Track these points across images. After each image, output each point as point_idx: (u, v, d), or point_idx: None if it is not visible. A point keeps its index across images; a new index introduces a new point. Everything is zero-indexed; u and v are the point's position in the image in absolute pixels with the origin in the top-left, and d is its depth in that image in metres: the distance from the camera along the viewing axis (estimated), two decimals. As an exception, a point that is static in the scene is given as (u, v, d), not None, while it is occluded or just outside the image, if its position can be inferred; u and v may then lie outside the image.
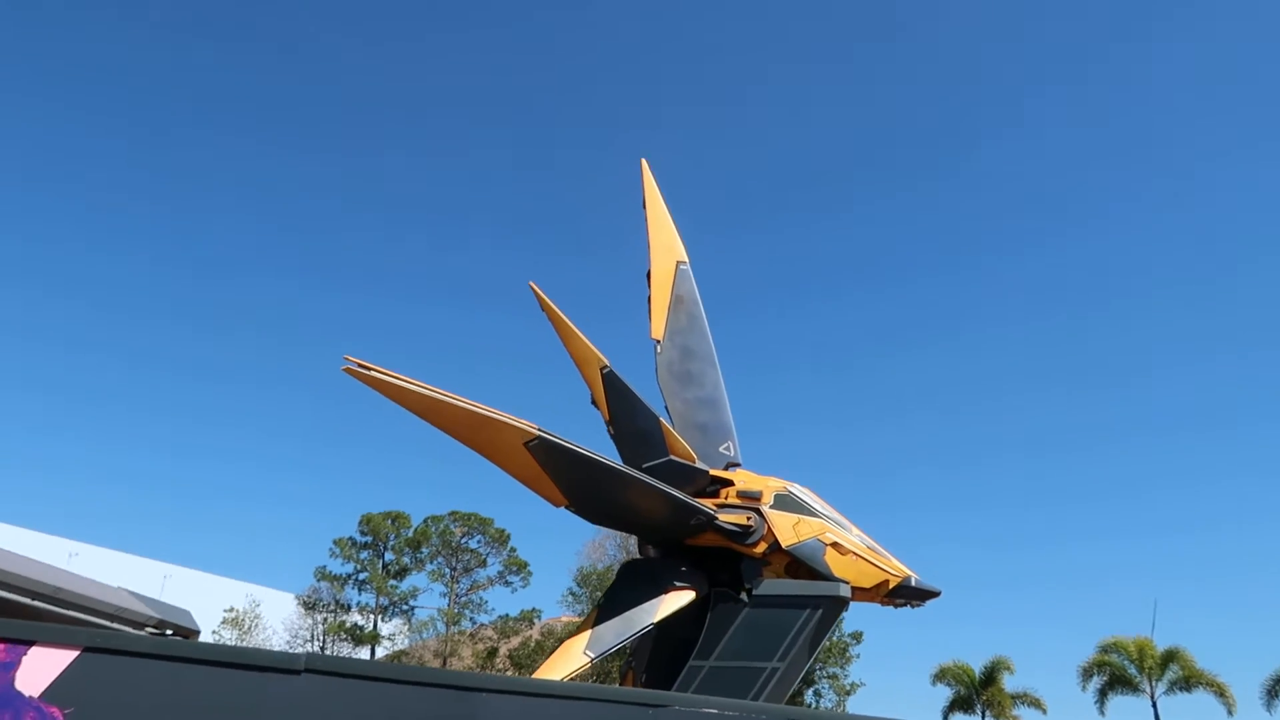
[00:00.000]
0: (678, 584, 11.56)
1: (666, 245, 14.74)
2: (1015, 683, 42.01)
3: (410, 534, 58.60)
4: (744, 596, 11.76)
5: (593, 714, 4.67)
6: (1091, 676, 41.10)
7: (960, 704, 41.87)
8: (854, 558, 11.81)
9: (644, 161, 15.74)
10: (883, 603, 12.36)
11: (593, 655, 10.64)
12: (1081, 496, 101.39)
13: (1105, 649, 41.26)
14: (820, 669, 40.61)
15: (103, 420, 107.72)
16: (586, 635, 10.89)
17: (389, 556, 59.15)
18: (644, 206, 15.28)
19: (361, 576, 58.03)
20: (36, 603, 22.40)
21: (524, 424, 9.21)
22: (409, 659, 53.65)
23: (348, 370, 8.23)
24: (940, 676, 42.66)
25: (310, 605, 58.47)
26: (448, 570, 58.11)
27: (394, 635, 58.00)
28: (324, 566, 58.88)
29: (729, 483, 12.36)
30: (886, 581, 11.86)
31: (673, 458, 12.03)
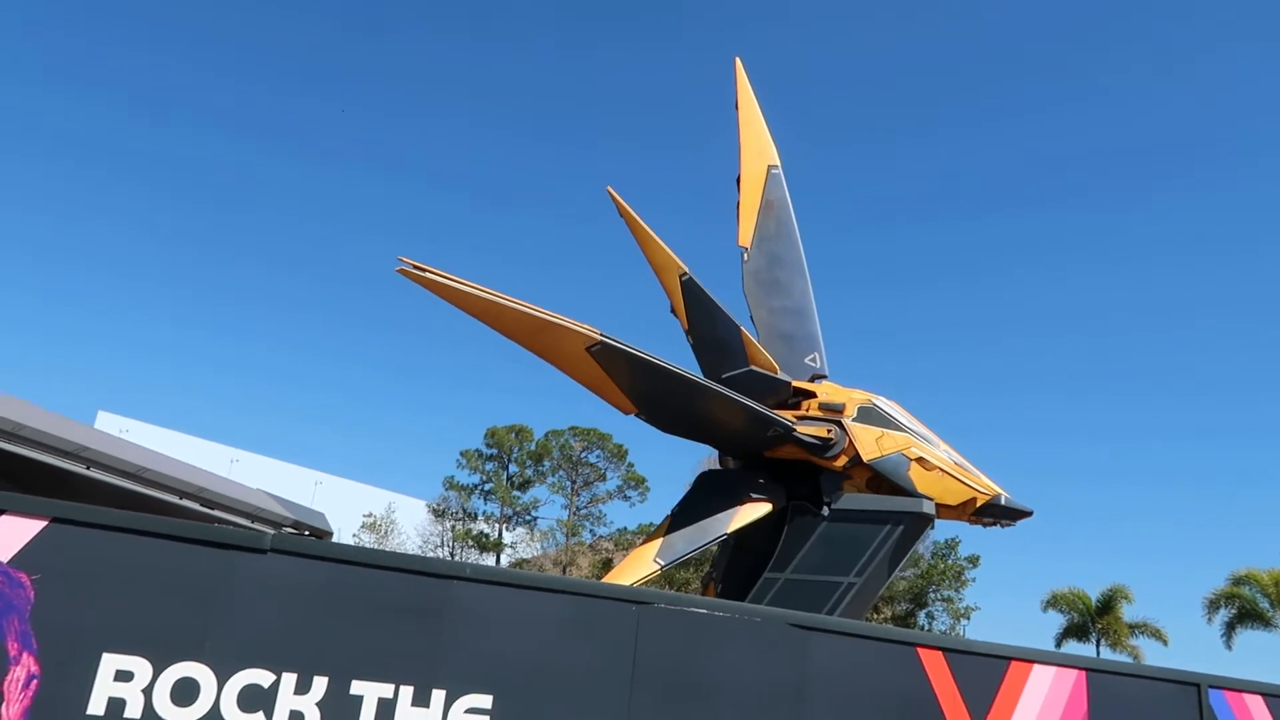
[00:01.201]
0: (754, 495, 11.35)
1: (758, 148, 14.17)
2: (1134, 614, 40.61)
3: (533, 447, 60.26)
4: (823, 510, 11.49)
5: (573, 608, 4.56)
6: (1219, 609, 39.10)
7: (1074, 631, 40.31)
8: (940, 474, 11.32)
9: (737, 60, 15.07)
10: (971, 521, 11.86)
11: (663, 563, 10.59)
12: (1229, 433, 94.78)
13: (1237, 581, 39.08)
14: (934, 591, 40.09)
15: (262, 333, 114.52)
16: (658, 543, 10.84)
17: (513, 469, 61.09)
18: (736, 107, 14.71)
19: (487, 487, 60.21)
20: (184, 501, 23.92)
21: (586, 328, 9.05)
22: (530, 567, 55.62)
23: (402, 272, 8.19)
24: (1052, 603, 41.14)
25: (440, 513, 61.07)
26: (568, 483, 59.59)
27: (516, 544, 60.07)
28: (452, 476, 61.38)
29: (811, 394, 11.98)
30: (974, 499, 11.35)
31: (753, 368, 11.71)
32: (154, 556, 3.95)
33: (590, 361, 9.30)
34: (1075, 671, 5.40)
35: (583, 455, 58.66)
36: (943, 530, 49.57)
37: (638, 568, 10.56)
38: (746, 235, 13.48)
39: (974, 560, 40.23)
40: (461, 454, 61.21)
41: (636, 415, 10.49)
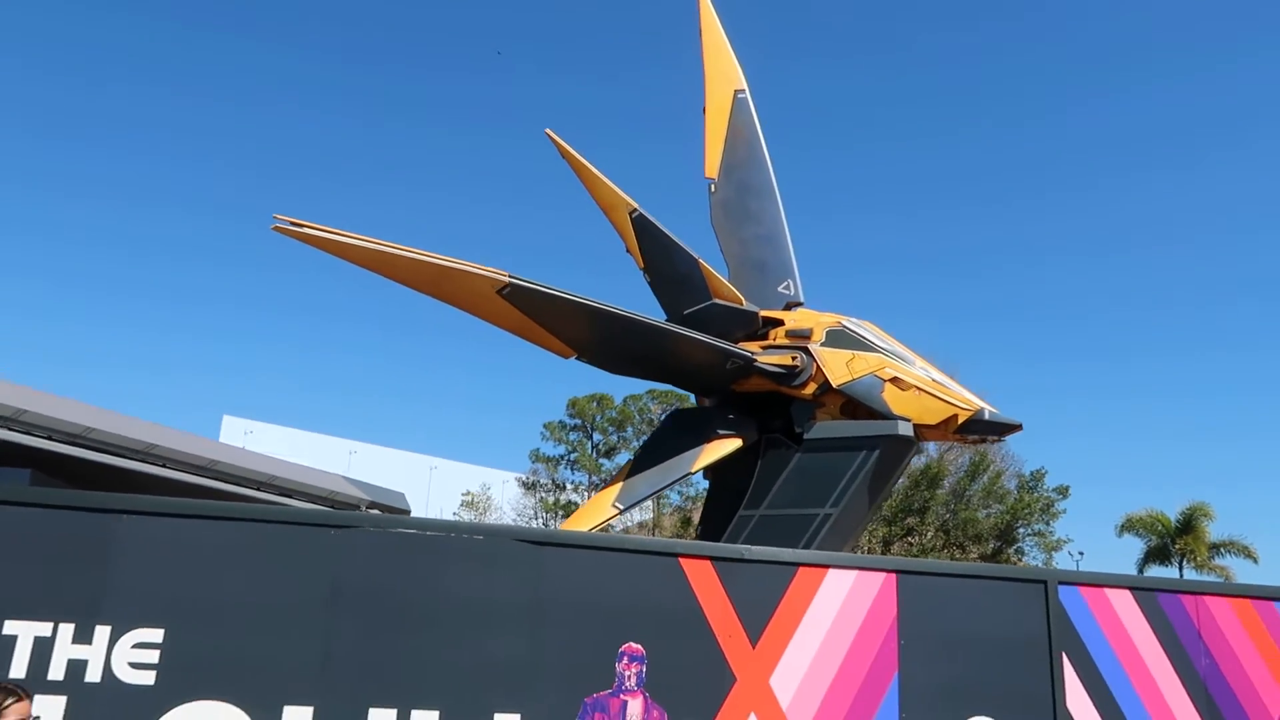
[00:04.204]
0: (721, 432, 10.92)
1: (723, 74, 13.55)
2: (1221, 533, 37.97)
3: (614, 414, 60.61)
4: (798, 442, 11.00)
5: (262, 536, 4.32)
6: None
7: (1156, 555, 38.02)
8: (916, 392, 10.67)
9: (699, -14, 14.44)
10: (956, 440, 11.21)
11: (621, 506, 10.30)
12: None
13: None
14: (1024, 527, 38.45)
15: (377, 340, 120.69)
16: (618, 486, 10.55)
17: (596, 437, 61.63)
18: (700, 35, 14.10)
19: (573, 457, 60.89)
20: (258, 492, 24.68)
21: (492, 271, 8.70)
22: (613, 530, 56.05)
23: (278, 229, 8.01)
24: (1128, 527, 38.64)
25: (529, 486, 62.15)
26: (652, 447, 59.67)
27: (601, 509, 60.41)
28: (538, 449, 62.27)
29: (780, 323, 11.46)
30: (955, 416, 10.67)
31: (716, 301, 11.24)
32: None
33: (506, 306, 8.98)
34: (882, 574, 4.87)
35: (662, 418, 58.64)
36: (1031, 461, 47.64)
37: (595, 513, 10.30)
38: (714, 166, 12.94)
39: (1063, 491, 38.41)
40: (545, 426, 62.09)
41: (577, 359, 10.16)
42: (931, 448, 37.99)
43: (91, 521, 4.17)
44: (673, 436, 11.08)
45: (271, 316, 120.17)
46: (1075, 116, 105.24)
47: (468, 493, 70.16)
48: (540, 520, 60.29)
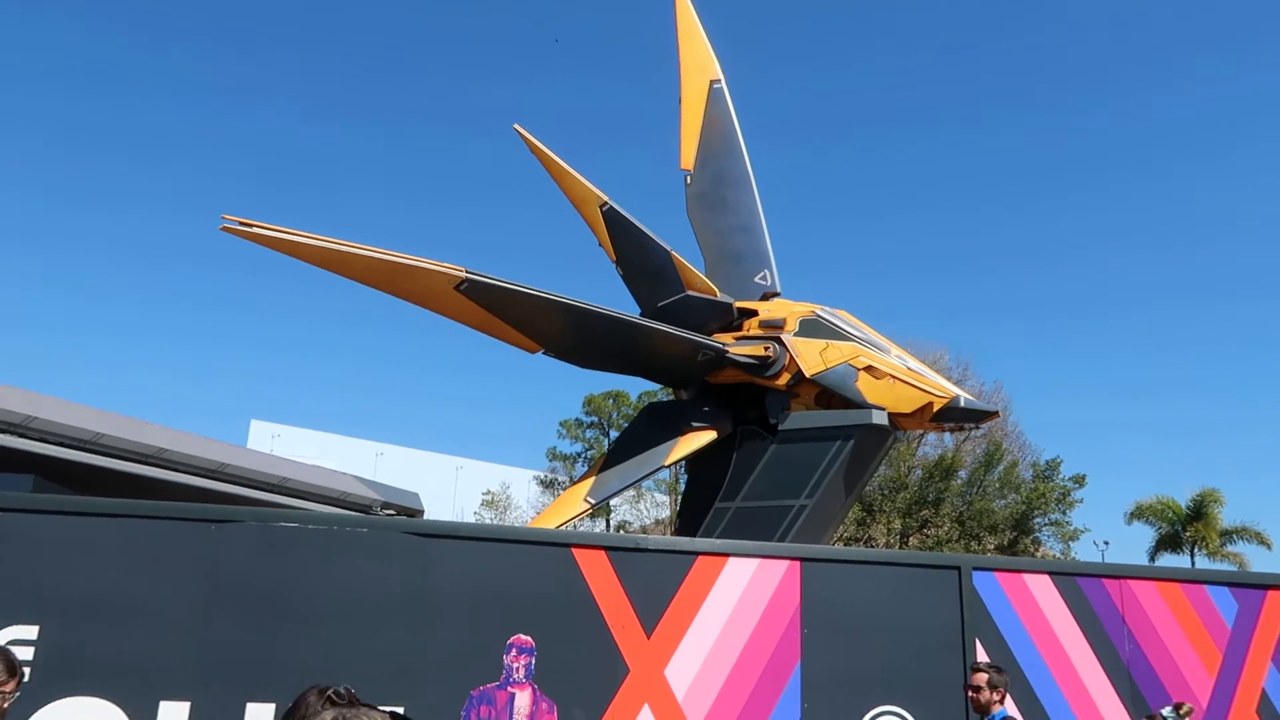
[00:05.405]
0: (695, 425, 10.86)
1: (699, 64, 13.48)
2: (1234, 520, 37.33)
3: (630, 411, 60.47)
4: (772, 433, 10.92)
5: (141, 531, 4.31)
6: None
7: (1167, 543, 37.42)
8: (891, 381, 10.56)
9: (676, -25, 14.36)
10: (932, 428, 11.08)
11: (593, 501, 10.27)
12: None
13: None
14: (1041, 516, 37.95)
15: (402, 343, 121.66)
16: (591, 481, 10.52)
17: (614, 434, 61.57)
18: (675, 25, 14.04)
19: (589, 454, 60.86)
20: (273, 495, 24.74)
21: (448, 267, 8.68)
22: (630, 529, 55.98)
23: (227, 229, 8.01)
24: (1138, 514, 38.07)
25: (547, 484, 62.24)
26: (668, 443, 59.54)
27: (619, 505, 60.50)
28: (554, 447, 62.34)
29: (755, 314, 11.38)
30: (930, 404, 10.55)
31: (689, 293, 11.18)
32: None
33: (466, 302, 8.95)
34: (785, 562, 4.78)
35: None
36: (1048, 451, 47.08)
37: (566, 509, 10.27)
38: (689, 158, 12.87)
39: (1080, 480, 37.90)
40: (561, 424, 62.20)
41: (544, 354, 10.12)
42: (947, 439, 37.66)
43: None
44: (647, 430, 11.03)
45: (300, 321, 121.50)
46: (1089, 118, 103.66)
47: (488, 492, 70.39)
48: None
